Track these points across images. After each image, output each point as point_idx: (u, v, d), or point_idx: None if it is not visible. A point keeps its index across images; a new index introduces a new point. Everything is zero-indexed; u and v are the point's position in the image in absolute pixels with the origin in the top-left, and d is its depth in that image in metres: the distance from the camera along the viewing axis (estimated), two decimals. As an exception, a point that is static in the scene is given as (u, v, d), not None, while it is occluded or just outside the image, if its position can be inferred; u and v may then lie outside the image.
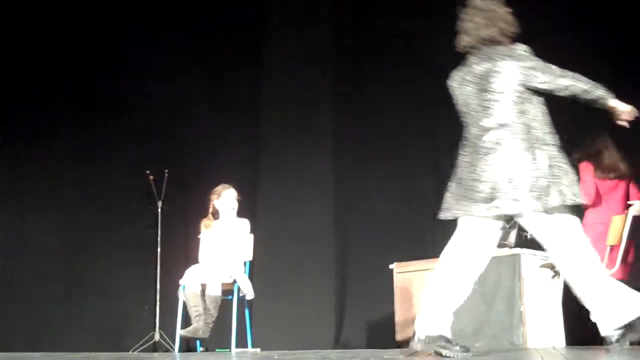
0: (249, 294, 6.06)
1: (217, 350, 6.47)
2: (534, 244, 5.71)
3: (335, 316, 7.32)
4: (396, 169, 7.51)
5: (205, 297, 5.79)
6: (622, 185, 5.72)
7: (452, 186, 3.86)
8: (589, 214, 5.72)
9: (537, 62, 3.65)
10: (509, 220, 4.09)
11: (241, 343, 6.13)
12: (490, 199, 3.61)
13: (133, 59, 8.04)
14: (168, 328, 6.89)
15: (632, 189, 5.74)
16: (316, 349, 5.75)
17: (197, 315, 5.73)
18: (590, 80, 3.65)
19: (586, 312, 3.63)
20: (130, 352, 6.85)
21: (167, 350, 6.99)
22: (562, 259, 3.65)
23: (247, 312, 6.22)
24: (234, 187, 6.32)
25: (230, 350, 5.93)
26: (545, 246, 3.71)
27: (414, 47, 7.58)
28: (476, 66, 3.72)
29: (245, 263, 6.23)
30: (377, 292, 6.75)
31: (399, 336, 6.10)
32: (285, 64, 7.87)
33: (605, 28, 6.62)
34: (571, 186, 3.54)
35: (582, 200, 3.59)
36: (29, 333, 7.41)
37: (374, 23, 7.76)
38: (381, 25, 7.71)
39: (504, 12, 3.78)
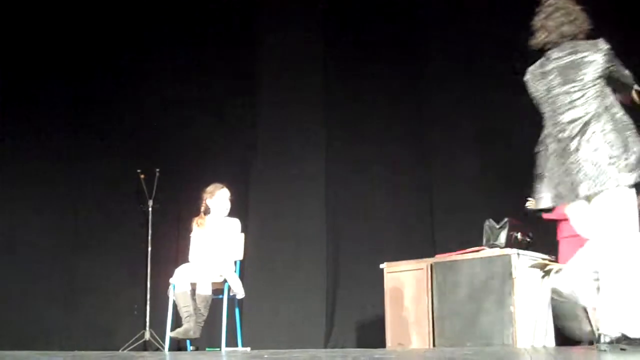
0: (240, 294, 6.05)
1: (207, 349, 6.47)
2: (523, 245, 5.78)
3: (326, 316, 7.33)
4: (388, 169, 7.54)
5: (196, 297, 5.78)
6: None
7: (543, 177, 3.94)
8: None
9: (613, 55, 3.86)
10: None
11: (231, 342, 6.12)
12: (587, 182, 3.71)
13: (125, 58, 8.03)
14: (158, 327, 6.89)
15: None
16: (306, 349, 5.75)
17: (187, 316, 5.71)
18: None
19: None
20: (120, 351, 6.84)
21: (157, 349, 6.98)
22: (614, 241, 3.69)
23: (237, 311, 6.21)
24: (226, 186, 6.31)
25: (220, 350, 5.92)
26: (605, 225, 3.73)
27: (406, 45, 7.62)
28: (560, 60, 3.92)
29: (236, 262, 6.22)
30: (368, 291, 6.77)
31: (389, 336, 6.11)
32: (277, 65, 7.88)
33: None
34: None
35: None
36: (19, 332, 7.38)
37: (366, 22, 7.77)
38: (373, 24, 7.73)
39: (579, 9, 4.00)
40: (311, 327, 7.29)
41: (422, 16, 7.62)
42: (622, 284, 3.61)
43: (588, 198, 3.76)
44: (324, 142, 7.70)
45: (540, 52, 4.05)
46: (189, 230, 6.32)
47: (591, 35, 3.96)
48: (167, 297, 6.01)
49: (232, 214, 6.32)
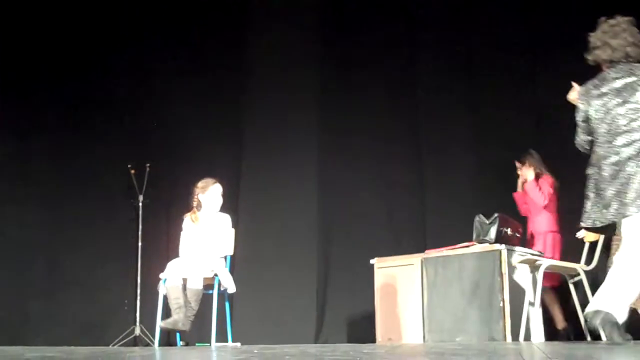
0: (230, 288, 6.05)
1: (197, 344, 6.47)
2: (513, 240, 5.79)
3: (317, 311, 7.33)
4: (379, 165, 7.54)
5: (187, 291, 5.78)
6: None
7: (591, 197, 4.09)
8: (551, 221, 5.98)
9: None
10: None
11: (221, 337, 6.13)
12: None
13: (116, 54, 8.03)
14: (149, 322, 6.88)
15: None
16: (297, 344, 5.75)
17: (177, 308, 5.71)
18: None
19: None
20: (110, 346, 6.83)
21: (147, 345, 6.98)
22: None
23: (227, 306, 6.21)
24: (218, 182, 6.30)
25: (210, 345, 5.92)
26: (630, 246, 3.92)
27: (401, 44, 7.63)
28: (617, 81, 4.05)
29: (226, 257, 6.22)
30: (359, 287, 6.78)
31: (379, 331, 6.12)
32: (269, 59, 7.87)
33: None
34: None
35: None
36: (8, 327, 7.37)
37: (362, 20, 7.78)
38: (368, 22, 7.74)
39: (637, 31, 4.14)
40: (301, 322, 7.29)
41: (419, 14, 7.62)
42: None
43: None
44: (316, 138, 7.69)
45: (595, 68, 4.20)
46: (179, 225, 6.31)
47: None
48: (158, 292, 6.01)
49: (222, 209, 6.32)
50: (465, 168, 7.17)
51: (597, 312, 3.83)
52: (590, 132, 4.19)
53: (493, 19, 7.26)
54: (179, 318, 5.68)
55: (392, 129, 7.54)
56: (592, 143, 4.19)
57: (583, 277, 5.61)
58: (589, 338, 5.68)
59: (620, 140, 3.96)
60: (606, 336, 3.86)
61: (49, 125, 7.96)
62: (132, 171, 7.47)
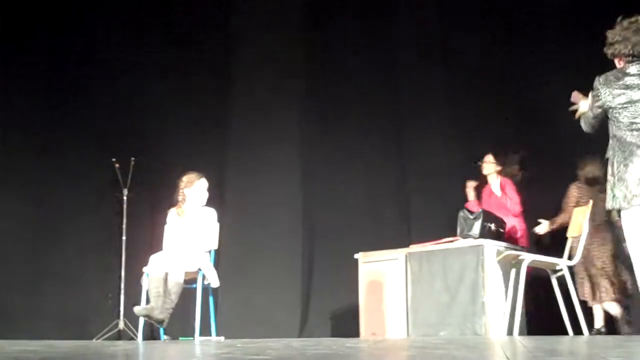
0: (214, 283, 6.04)
1: (180, 338, 6.46)
2: (497, 235, 5.82)
3: (301, 306, 7.34)
4: (364, 159, 7.55)
5: (167, 283, 5.76)
6: None
7: (620, 179, 4.32)
8: (521, 222, 6.08)
9: None
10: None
11: (205, 331, 6.12)
12: None
13: (100, 48, 7.99)
14: (132, 316, 6.85)
15: None
16: (281, 338, 5.76)
17: (155, 296, 5.69)
18: None
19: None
20: (94, 340, 6.81)
21: (131, 339, 6.96)
22: None
23: (211, 300, 6.21)
24: (204, 176, 6.28)
25: (194, 339, 5.91)
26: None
27: (383, 40, 7.64)
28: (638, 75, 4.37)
29: (211, 252, 6.21)
30: (343, 282, 6.78)
31: (363, 325, 6.13)
32: (253, 52, 7.85)
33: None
34: None
35: None
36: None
37: (345, 18, 7.78)
38: (349, 17, 7.74)
39: None
40: (286, 316, 7.30)
41: (401, 14, 7.64)
42: None
43: None
44: (300, 132, 7.70)
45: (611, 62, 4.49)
46: (164, 219, 6.30)
47: None
48: (141, 286, 5.99)
49: (207, 202, 6.30)
50: (449, 163, 7.19)
51: None
52: (600, 117, 4.48)
53: (474, 14, 7.30)
54: (156, 305, 5.65)
55: (376, 125, 7.57)
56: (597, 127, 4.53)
57: (565, 272, 5.64)
58: (571, 332, 5.72)
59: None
60: None
61: (32, 118, 7.90)
62: (117, 165, 7.44)
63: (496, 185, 6.48)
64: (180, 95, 7.90)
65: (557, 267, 5.74)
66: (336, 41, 7.73)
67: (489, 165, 6.51)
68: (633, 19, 4.40)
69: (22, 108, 7.85)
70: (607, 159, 4.43)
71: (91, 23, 8.02)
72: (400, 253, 6.04)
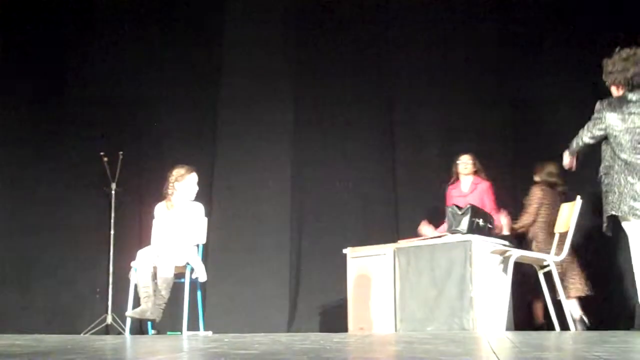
0: (202, 277, 6.03)
1: (168, 333, 6.45)
2: (485, 231, 5.84)
3: (289, 300, 7.34)
4: (353, 154, 7.56)
5: (157, 279, 5.76)
6: None
7: (619, 192, 4.84)
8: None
9: None
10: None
11: (193, 326, 6.11)
12: None
13: (88, 42, 7.96)
14: (120, 311, 6.84)
15: None
16: (269, 333, 5.76)
17: (145, 297, 5.69)
18: None
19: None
20: (82, 335, 6.80)
21: (119, 333, 6.95)
22: None
23: (199, 295, 6.20)
24: (193, 170, 6.26)
25: (182, 334, 5.91)
26: None
27: (370, 35, 7.65)
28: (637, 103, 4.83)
29: (198, 246, 6.20)
30: (332, 276, 6.79)
31: (351, 320, 6.14)
32: (243, 47, 7.83)
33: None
34: None
35: None
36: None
37: (334, 14, 7.78)
38: (341, 13, 7.74)
39: None
40: (274, 311, 7.30)
41: (391, 8, 7.65)
42: None
43: None
44: (290, 127, 7.69)
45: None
46: (152, 213, 6.28)
47: None
48: (129, 281, 5.98)
49: (196, 197, 6.29)
50: (436, 159, 7.22)
51: None
52: (599, 139, 4.95)
53: (465, 14, 7.32)
54: (147, 307, 5.66)
55: (365, 121, 7.59)
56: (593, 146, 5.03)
57: (553, 267, 5.67)
58: (558, 328, 5.75)
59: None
60: None
61: (19, 111, 7.86)
62: (105, 159, 7.41)
63: (466, 186, 6.54)
64: (170, 88, 7.88)
65: (545, 263, 5.77)
66: (326, 39, 7.72)
67: (467, 166, 6.57)
68: (632, 51, 4.84)
69: (7, 102, 7.81)
70: (602, 175, 4.96)
71: (79, 16, 7.98)
72: (388, 248, 6.05)
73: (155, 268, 5.79)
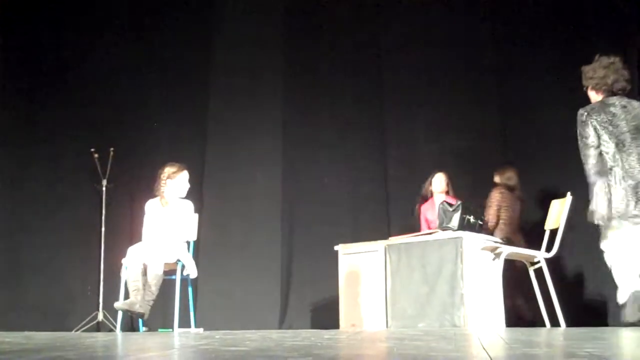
0: (193, 273, 6.02)
1: (159, 330, 6.44)
2: (476, 228, 5.85)
3: (281, 297, 7.34)
4: (344, 151, 7.57)
5: (147, 275, 5.74)
6: None
7: (614, 196, 4.89)
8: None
9: None
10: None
11: (184, 323, 6.11)
12: None
13: (78, 37, 7.94)
14: (111, 308, 6.83)
15: None
16: (260, 330, 5.76)
17: (134, 290, 5.68)
18: None
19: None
20: (73, 332, 6.78)
21: (110, 330, 6.94)
22: None
23: (190, 292, 6.19)
24: (185, 168, 6.24)
25: (173, 331, 5.90)
26: None
27: (362, 33, 7.65)
28: (622, 109, 4.95)
29: (189, 243, 6.19)
30: (323, 273, 6.79)
31: (343, 317, 6.14)
32: (234, 44, 7.83)
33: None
34: None
35: None
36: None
37: (324, 10, 7.77)
38: (331, 9, 7.73)
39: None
40: (265, 308, 7.30)
41: (384, 7, 7.65)
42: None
43: None
44: (281, 124, 7.69)
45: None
46: (143, 209, 6.26)
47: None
48: (120, 278, 5.97)
49: (186, 194, 6.27)
50: (427, 157, 7.23)
51: None
52: (597, 144, 4.94)
53: (463, 14, 7.34)
54: (136, 300, 5.65)
55: (357, 118, 7.59)
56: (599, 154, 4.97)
57: (543, 264, 5.68)
58: (548, 325, 5.77)
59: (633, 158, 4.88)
60: None
61: (9, 107, 7.84)
62: (96, 155, 7.39)
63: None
64: (161, 85, 7.87)
65: (535, 260, 5.78)
66: (317, 36, 7.72)
67: (442, 184, 6.62)
68: (612, 60, 5.00)
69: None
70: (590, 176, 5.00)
71: (70, 15, 7.96)
72: (379, 245, 6.05)
73: (145, 265, 5.78)
